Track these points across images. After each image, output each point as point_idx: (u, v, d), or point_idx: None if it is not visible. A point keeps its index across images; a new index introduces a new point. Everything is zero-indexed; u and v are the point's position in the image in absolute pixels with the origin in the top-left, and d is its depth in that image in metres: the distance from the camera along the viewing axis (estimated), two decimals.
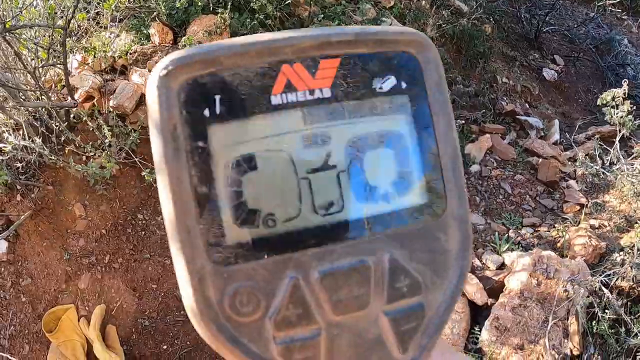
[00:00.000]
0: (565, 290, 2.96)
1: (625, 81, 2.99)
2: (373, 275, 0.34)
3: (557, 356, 2.85)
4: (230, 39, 0.34)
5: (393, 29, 0.37)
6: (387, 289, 0.35)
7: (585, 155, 3.52)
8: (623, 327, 2.90)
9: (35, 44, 2.75)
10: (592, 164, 3.31)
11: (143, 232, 3.19)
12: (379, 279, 0.34)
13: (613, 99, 3.03)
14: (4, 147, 2.72)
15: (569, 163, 4.06)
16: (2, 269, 2.98)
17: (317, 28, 0.36)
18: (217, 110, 0.32)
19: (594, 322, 2.90)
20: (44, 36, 2.99)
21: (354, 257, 0.34)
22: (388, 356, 0.35)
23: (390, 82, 0.36)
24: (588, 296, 2.93)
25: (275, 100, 0.33)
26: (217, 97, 0.32)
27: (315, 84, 0.34)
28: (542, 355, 2.85)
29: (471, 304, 3.01)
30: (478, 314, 3.04)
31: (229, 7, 3.47)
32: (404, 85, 0.36)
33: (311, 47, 0.34)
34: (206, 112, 0.32)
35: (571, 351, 2.89)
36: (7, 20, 2.40)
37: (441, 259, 0.36)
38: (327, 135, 0.34)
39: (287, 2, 3.61)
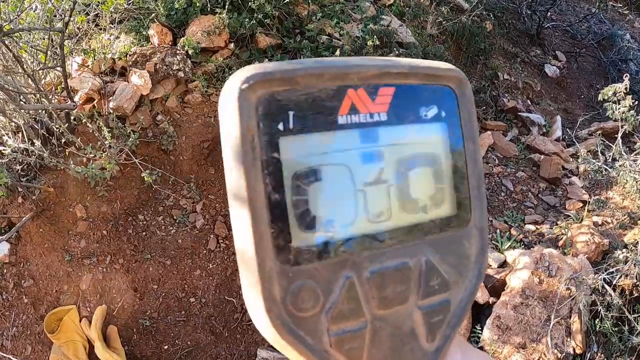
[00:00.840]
0: (568, 289, 2.94)
1: (626, 76, 2.95)
2: (412, 275, 0.40)
3: (559, 355, 2.83)
4: (305, 60, 0.37)
5: (439, 64, 0.42)
6: (423, 286, 0.40)
7: (588, 151, 3.49)
8: (626, 326, 2.87)
9: (32, 47, 2.76)
10: (594, 161, 3.28)
11: (144, 233, 3.20)
12: (417, 278, 0.40)
13: (614, 94, 3.00)
14: (4, 149, 2.74)
15: (572, 160, 4.03)
16: (5, 271, 3.00)
17: (377, 58, 0.40)
18: (291, 125, 0.35)
19: (597, 320, 2.87)
20: (43, 39, 3.00)
21: (398, 259, 0.39)
22: (418, 346, 0.40)
23: (433, 110, 0.41)
24: (591, 294, 2.90)
25: (341, 120, 0.37)
26: (291, 113, 0.36)
27: (375, 109, 0.39)
28: (544, 354, 2.83)
29: (473, 302, 2.99)
30: (480, 312, 3.02)
31: (227, 7, 3.47)
32: (443, 114, 0.42)
33: (374, 76, 0.39)
34: (280, 126, 0.35)
35: (574, 350, 2.87)
36: (5, 24, 2.41)
37: (464, 262, 0.42)
38: (381, 153, 0.39)
39: (285, 1, 3.61)
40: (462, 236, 0.42)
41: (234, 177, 0.35)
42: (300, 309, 0.36)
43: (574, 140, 4.06)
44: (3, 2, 2.56)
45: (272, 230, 0.35)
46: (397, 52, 3.83)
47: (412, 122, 0.40)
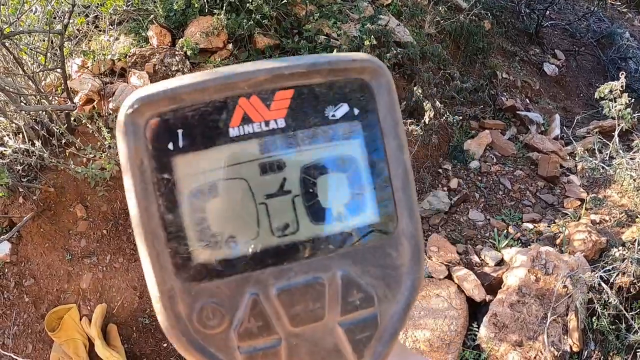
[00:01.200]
0: (565, 286, 2.95)
1: (622, 73, 2.96)
2: (327, 290, 0.37)
3: (556, 353, 2.84)
4: (192, 74, 0.36)
5: (346, 57, 0.38)
6: (341, 302, 0.38)
7: (585, 150, 3.49)
8: (623, 324, 2.88)
9: (31, 49, 2.80)
10: (591, 159, 3.29)
11: None
12: (333, 294, 0.37)
13: (611, 91, 3.01)
14: (5, 150, 2.77)
15: (570, 158, 4.04)
16: (6, 270, 3.04)
17: (273, 60, 0.37)
18: (180, 144, 0.35)
19: (594, 318, 2.88)
20: (43, 41, 3.03)
21: (309, 274, 0.37)
22: None
23: (342, 109, 0.38)
24: (588, 292, 2.91)
25: (234, 132, 0.36)
26: (180, 132, 0.35)
27: (270, 115, 0.36)
28: (541, 352, 2.84)
29: (469, 300, 3.00)
30: (476, 310, 3.03)
31: (225, 8, 3.50)
32: (356, 111, 0.38)
33: (266, 80, 0.36)
34: (170, 146, 0.35)
35: (571, 348, 2.88)
36: (6, 27, 2.45)
37: (393, 273, 0.39)
38: (282, 162, 0.37)
39: (283, 2, 3.63)
40: (388, 245, 0.39)
41: (130, 201, 0.35)
42: (206, 326, 0.36)
43: (572, 138, 4.06)
44: (3, 5, 2.60)
45: (169, 249, 0.35)
46: (394, 52, 3.85)
47: (316, 125, 0.37)
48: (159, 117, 0.35)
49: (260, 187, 0.37)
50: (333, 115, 0.38)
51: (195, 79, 0.35)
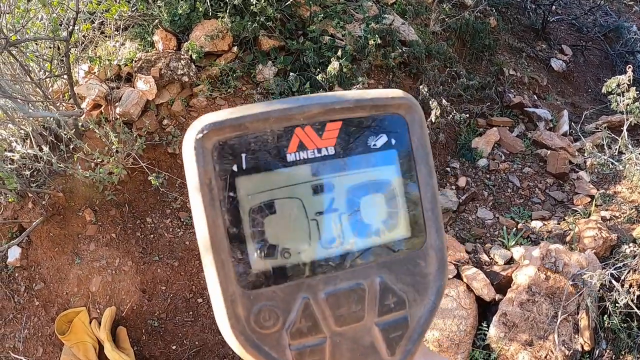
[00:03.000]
0: (575, 285, 2.91)
1: (629, 67, 2.92)
2: (367, 295, 0.43)
3: (567, 352, 2.81)
4: (255, 105, 0.41)
5: (386, 94, 0.44)
6: (378, 305, 0.43)
7: (594, 145, 3.45)
8: (635, 322, 2.83)
9: (38, 57, 2.83)
10: (600, 154, 3.25)
11: (152, 236, 3.25)
12: (371, 298, 0.43)
13: (618, 85, 2.97)
14: (13, 156, 2.81)
15: (579, 154, 3.99)
16: (16, 274, 3.07)
17: (323, 95, 0.43)
18: (244, 166, 0.40)
19: (605, 316, 2.84)
20: (50, 48, 3.07)
21: (352, 281, 0.43)
22: (379, 358, 0.44)
23: (382, 139, 0.44)
24: (598, 290, 2.87)
25: (290, 157, 0.41)
26: (243, 155, 0.40)
27: (322, 144, 0.42)
28: (552, 352, 2.81)
29: (479, 300, 2.98)
30: (486, 310, 3.00)
31: (229, 11, 3.51)
32: (393, 141, 0.44)
33: (319, 113, 0.42)
34: (235, 168, 0.40)
35: (582, 346, 2.84)
36: (12, 34, 2.47)
37: (422, 280, 0.45)
38: (331, 184, 0.42)
39: (287, 3, 3.63)
40: (418, 256, 0.45)
41: (198, 215, 0.39)
42: (262, 326, 0.40)
43: (581, 134, 4.02)
44: (9, 13, 2.63)
45: (232, 259, 0.39)
46: (400, 51, 3.83)
47: (360, 153, 0.43)
48: (225, 142, 0.40)
49: (312, 205, 0.42)
50: (374, 145, 0.44)
51: (258, 110, 0.40)
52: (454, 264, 3.09)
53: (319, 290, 0.42)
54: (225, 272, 0.39)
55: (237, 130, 0.40)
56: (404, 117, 0.45)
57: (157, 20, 3.60)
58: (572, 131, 4.30)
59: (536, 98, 4.65)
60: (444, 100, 3.59)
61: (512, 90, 4.57)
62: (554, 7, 5.40)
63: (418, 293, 0.45)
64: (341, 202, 0.43)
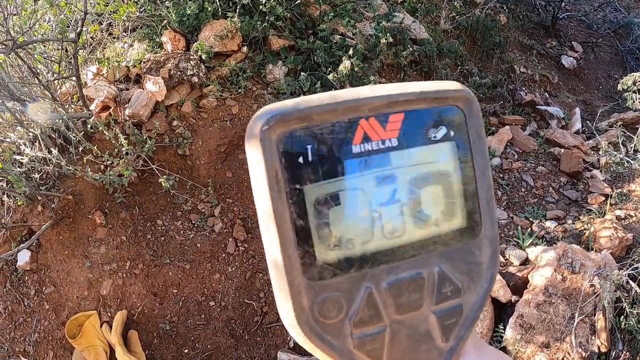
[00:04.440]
0: (592, 285, 2.87)
1: None
2: (426, 284, 0.44)
3: (584, 354, 2.77)
4: (317, 96, 0.41)
5: (446, 87, 0.45)
6: (436, 293, 0.45)
7: (609, 143, 3.40)
8: None
9: (45, 58, 2.79)
10: (615, 153, 3.20)
11: (163, 238, 3.22)
12: (430, 286, 0.44)
13: (634, 83, 2.92)
14: (22, 159, 2.78)
15: (592, 152, 3.94)
16: (26, 278, 3.05)
17: (387, 87, 0.43)
18: (309, 158, 0.40)
19: (622, 317, 2.80)
20: (58, 49, 3.03)
21: (413, 270, 0.44)
22: (433, 345, 0.45)
23: (442, 131, 0.44)
24: (615, 291, 2.83)
25: (356, 149, 0.41)
26: (309, 147, 0.40)
27: (386, 135, 0.43)
28: (569, 354, 2.77)
29: (495, 301, 2.94)
30: (502, 311, 2.97)
31: (238, 10, 3.47)
32: (452, 133, 0.45)
33: (383, 105, 0.42)
34: (300, 159, 0.40)
35: (599, 348, 2.80)
36: (19, 36, 2.44)
37: (476, 269, 0.46)
38: (394, 175, 0.43)
39: (297, 2, 3.59)
40: (473, 246, 0.46)
41: (264, 207, 0.40)
42: (326, 316, 0.41)
43: (594, 132, 3.96)
44: (16, 15, 2.59)
45: (298, 251, 0.40)
46: (411, 49, 3.79)
47: (421, 144, 0.44)
48: (291, 134, 0.39)
49: (376, 196, 0.42)
50: (434, 136, 0.44)
51: (323, 101, 0.40)
52: None
53: (381, 280, 0.43)
54: (292, 264, 0.40)
55: (304, 121, 0.40)
56: (462, 109, 0.45)
57: (165, 21, 3.57)
58: (584, 129, 4.25)
59: (547, 96, 4.60)
60: None
61: (524, 88, 4.52)
62: (563, 3, 5.34)
63: (472, 281, 0.46)
64: (403, 193, 0.43)
